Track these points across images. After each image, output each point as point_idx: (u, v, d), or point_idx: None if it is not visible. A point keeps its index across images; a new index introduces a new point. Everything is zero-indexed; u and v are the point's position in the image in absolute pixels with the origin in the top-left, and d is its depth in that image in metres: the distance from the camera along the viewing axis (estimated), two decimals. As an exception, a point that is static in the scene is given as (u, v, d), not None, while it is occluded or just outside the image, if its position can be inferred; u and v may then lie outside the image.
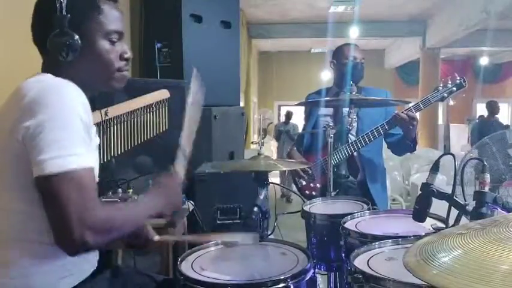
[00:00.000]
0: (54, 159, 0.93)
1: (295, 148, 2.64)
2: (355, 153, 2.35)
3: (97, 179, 1.14)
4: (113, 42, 1.13)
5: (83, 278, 1.12)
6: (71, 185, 0.93)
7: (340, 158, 2.31)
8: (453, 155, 1.29)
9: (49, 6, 1.06)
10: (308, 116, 2.63)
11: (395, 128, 2.30)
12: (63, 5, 1.05)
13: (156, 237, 1.29)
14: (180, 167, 1.29)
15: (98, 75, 1.14)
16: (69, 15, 1.06)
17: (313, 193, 2.38)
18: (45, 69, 1.13)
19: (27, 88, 0.99)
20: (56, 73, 1.08)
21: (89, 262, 1.17)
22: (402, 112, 2.21)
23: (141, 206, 1.14)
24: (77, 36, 1.06)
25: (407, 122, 2.19)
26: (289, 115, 8.40)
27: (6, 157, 1.01)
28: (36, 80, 1.03)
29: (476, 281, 0.52)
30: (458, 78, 2.23)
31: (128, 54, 1.17)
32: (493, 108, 7.19)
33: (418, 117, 2.23)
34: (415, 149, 2.38)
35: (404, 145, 2.35)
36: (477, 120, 8.08)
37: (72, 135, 0.96)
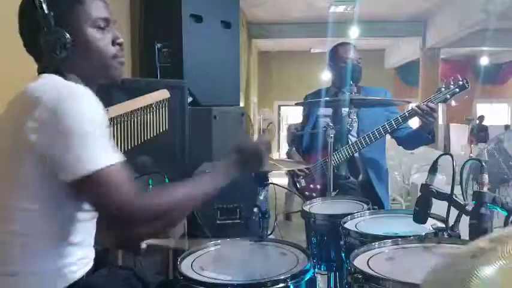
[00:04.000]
0: (82, 162, 0.95)
1: (294, 148, 2.64)
2: (356, 154, 2.34)
3: None
4: (101, 30, 1.13)
5: (79, 276, 1.13)
6: (104, 184, 0.95)
7: (340, 159, 2.30)
8: (451, 156, 1.29)
9: (32, 7, 1.07)
10: (307, 116, 2.62)
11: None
12: (44, 3, 1.06)
13: (143, 245, 1.31)
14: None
15: (95, 66, 1.14)
16: (52, 12, 1.06)
17: (313, 194, 2.38)
18: (44, 71, 1.11)
19: (39, 94, 0.98)
20: (57, 74, 1.08)
21: (85, 261, 1.17)
22: (422, 103, 2.18)
23: (201, 183, 1.16)
24: (65, 32, 1.06)
25: (428, 113, 2.16)
26: None
27: (11, 157, 1.01)
28: (48, 83, 1.03)
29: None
30: (460, 79, 2.19)
31: (120, 40, 1.16)
32: None
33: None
34: (433, 141, 2.34)
35: (419, 138, 2.32)
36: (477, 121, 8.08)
37: (95, 136, 0.97)
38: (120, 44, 1.16)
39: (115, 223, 1.00)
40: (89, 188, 0.96)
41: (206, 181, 1.17)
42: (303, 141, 2.57)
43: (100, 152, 0.97)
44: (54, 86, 1.02)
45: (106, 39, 1.14)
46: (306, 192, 2.43)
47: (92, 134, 0.97)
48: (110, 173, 0.96)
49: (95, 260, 1.20)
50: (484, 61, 12.34)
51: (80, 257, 1.11)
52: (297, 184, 2.49)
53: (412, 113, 2.21)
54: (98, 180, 0.95)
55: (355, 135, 2.38)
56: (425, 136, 2.27)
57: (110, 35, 1.15)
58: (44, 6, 1.06)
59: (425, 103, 2.18)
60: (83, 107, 0.98)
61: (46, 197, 1.02)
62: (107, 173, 0.96)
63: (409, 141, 2.40)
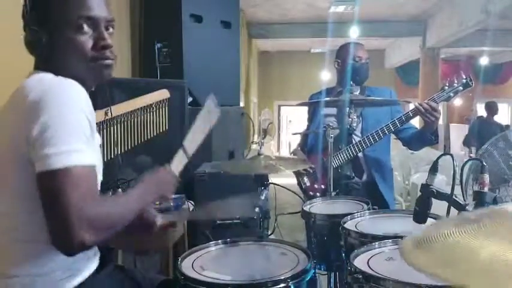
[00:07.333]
0: (56, 156, 0.91)
1: (299, 148, 2.64)
2: (360, 154, 2.34)
3: (101, 178, 1.14)
4: (83, 30, 1.05)
5: (86, 276, 1.12)
6: (71, 182, 0.91)
7: (344, 158, 2.30)
8: (452, 156, 1.29)
9: (24, 5, 1.06)
10: (312, 116, 2.62)
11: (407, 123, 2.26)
12: (28, 1, 1.04)
13: (159, 220, 1.29)
14: (177, 165, 1.32)
15: (75, 68, 1.07)
16: (34, 10, 1.04)
17: (317, 194, 2.37)
18: (36, 67, 1.10)
19: (29, 89, 0.98)
20: (45, 70, 1.06)
21: (91, 261, 1.17)
22: (424, 102, 2.16)
23: (133, 198, 1.11)
24: (42, 31, 1.04)
25: (430, 112, 2.14)
26: None
27: (10, 159, 1.00)
28: (37, 79, 1.01)
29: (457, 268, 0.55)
30: (464, 77, 2.19)
31: (103, 43, 1.07)
32: (491, 109, 7.23)
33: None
34: (437, 141, 2.31)
35: (422, 139, 2.30)
36: (475, 120, 8.10)
37: (75, 131, 0.94)
38: (104, 47, 1.07)
39: (59, 225, 0.90)
40: (49, 183, 0.91)
41: (142, 197, 1.13)
42: (307, 140, 2.57)
43: (74, 149, 0.93)
44: (40, 80, 1.00)
45: (87, 42, 1.06)
46: (310, 192, 2.42)
47: (72, 128, 0.94)
48: (74, 174, 0.92)
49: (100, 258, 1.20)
50: (484, 61, 12.32)
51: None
52: (302, 184, 2.48)
53: (415, 112, 2.21)
54: (61, 178, 0.91)
55: (359, 134, 2.37)
56: (428, 137, 2.25)
57: (94, 37, 1.07)
58: (28, 3, 1.04)
59: (427, 102, 2.17)
60: (67, 100, 0.96)
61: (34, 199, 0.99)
62: (72, 172, 0.91)
63: (413, 142, 2.39)
